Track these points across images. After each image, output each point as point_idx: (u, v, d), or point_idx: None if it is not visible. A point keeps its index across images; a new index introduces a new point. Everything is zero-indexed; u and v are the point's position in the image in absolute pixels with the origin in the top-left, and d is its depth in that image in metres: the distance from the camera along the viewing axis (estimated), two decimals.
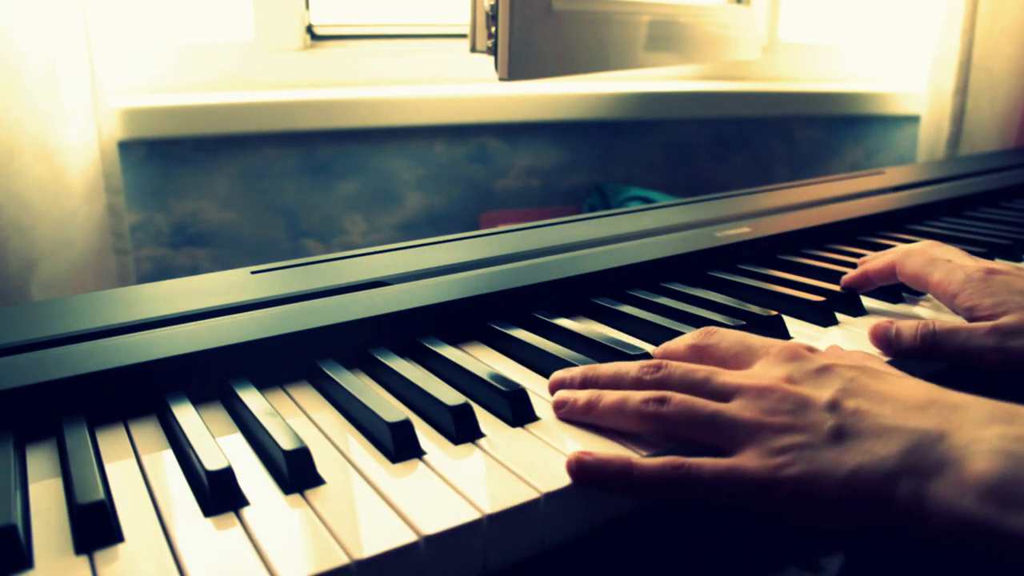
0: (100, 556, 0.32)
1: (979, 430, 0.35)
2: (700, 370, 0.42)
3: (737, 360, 0.45)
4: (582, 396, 0.42)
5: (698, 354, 0.46)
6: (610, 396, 0.42)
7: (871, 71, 1.56)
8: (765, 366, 0.43)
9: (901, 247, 0.59)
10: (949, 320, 0.51)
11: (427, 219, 1.18)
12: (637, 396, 0.41)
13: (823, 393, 0.39)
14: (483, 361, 0.51)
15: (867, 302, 0.60)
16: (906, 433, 0.36)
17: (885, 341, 0.51)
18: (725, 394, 0.41)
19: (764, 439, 0.38)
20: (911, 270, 0.56)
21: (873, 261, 0.60)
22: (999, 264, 0.53)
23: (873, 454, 0.36)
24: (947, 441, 0.35)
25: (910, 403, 0.38)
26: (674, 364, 0.43)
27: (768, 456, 0.37)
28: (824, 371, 0.41)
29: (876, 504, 0.35)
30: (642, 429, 0.41)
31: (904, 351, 0.50)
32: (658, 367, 0.43)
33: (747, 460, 0.37)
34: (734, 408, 0.40)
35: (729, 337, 0.46)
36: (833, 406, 0.38)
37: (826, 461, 0.36)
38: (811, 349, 0.44)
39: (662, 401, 0.40)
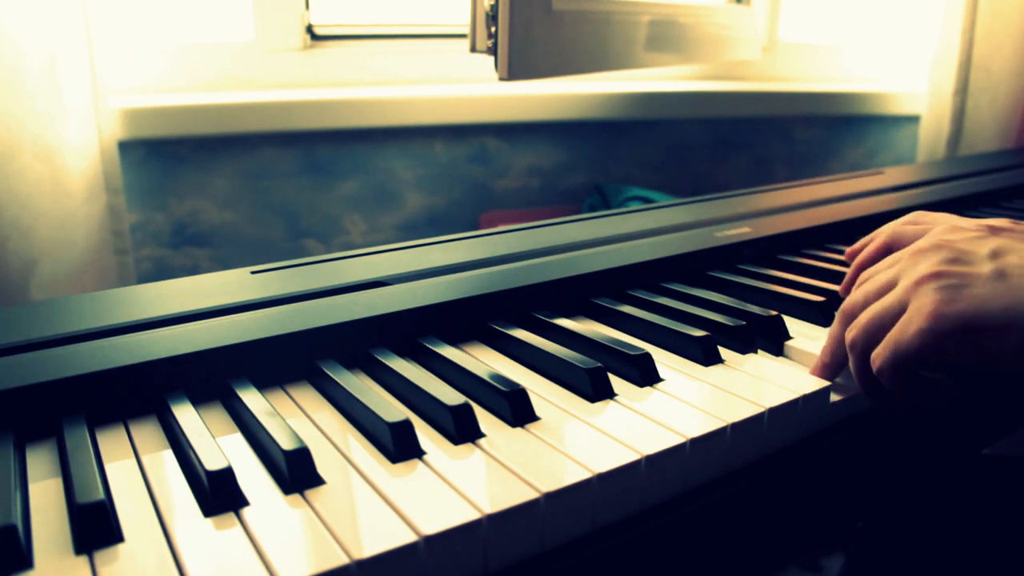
0: (100, 556, 0.32)
1: None
2: (870, 282, 0.47)
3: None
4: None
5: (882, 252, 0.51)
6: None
7: (871, 71, 1.56)
8: (927, 237, 0.46)
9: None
10: None
11: (427, 219, 1.18)
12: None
13: (982, 248, 0.43)
14: (483, 361, 0.51)
15: None
16: None
17: None
18: (894, 284, 0.45)
19: (929, 285, 0.42)
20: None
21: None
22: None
23: None
24: None
25: None
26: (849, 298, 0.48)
27: (935, 294, 0.41)
28: (980, 235, 0.45)
29: None
30: (858, 373, 0.45)
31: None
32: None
33: (915, 308, 0.41)
34: (902, 286, 0.43)
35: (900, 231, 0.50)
36: (994, 255, 0.42)
37: (990, 292, 0.40)
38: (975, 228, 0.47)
39: (849, 330, 0.45)
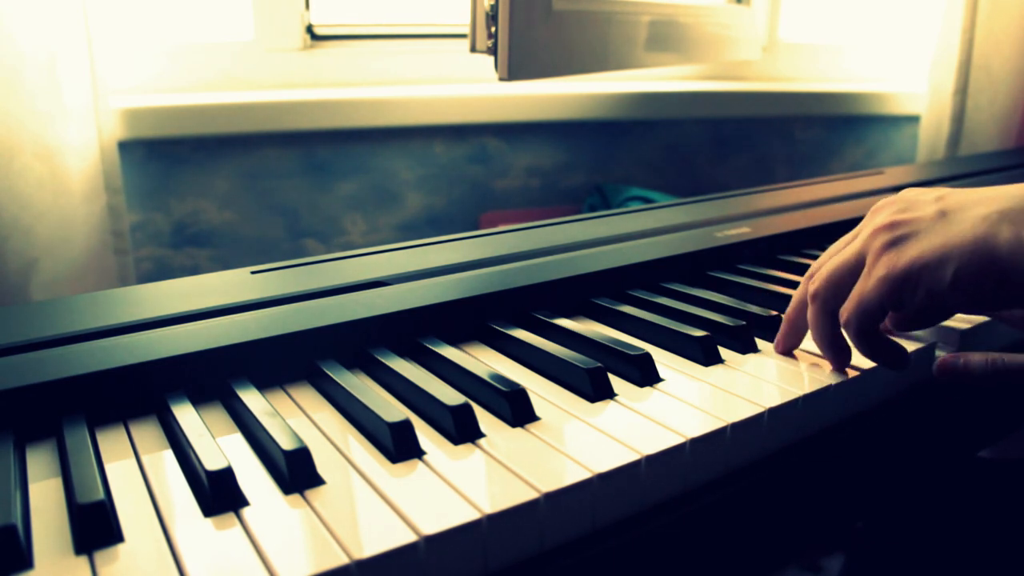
0: (100, 556, 0.32)
1: None
2: (834, 245, 0.51)
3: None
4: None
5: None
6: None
7: (871, 71, 1.56)
8: (885, 199, 0.49)
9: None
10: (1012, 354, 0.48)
11: (427, 219, 1.18)
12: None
13: (929, 195, 0.46)
14: (483, 361, 0.51)
15: None
16: (1004, 198, 0.43)
17: (953, 374, 0.48)
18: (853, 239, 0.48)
19: (882, 236, 0.45)
20: None
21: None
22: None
23: (975, 215, 0.43)
24: None
25: (1006, 189, 0.44)
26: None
27: (887, 245, 0.44)
28: (927, 190, 0.48)
29: (981, 252, 0.41)
30: (815, 321, 0.48)
31: (976, 382, 0.48)
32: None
33: (871, 261, 0.45)
34: (860, 238, 0.46)
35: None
36: (938, 200, 0.45)
37: (931, 232, 0.43)
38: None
39: (812, 280, 0.48)
